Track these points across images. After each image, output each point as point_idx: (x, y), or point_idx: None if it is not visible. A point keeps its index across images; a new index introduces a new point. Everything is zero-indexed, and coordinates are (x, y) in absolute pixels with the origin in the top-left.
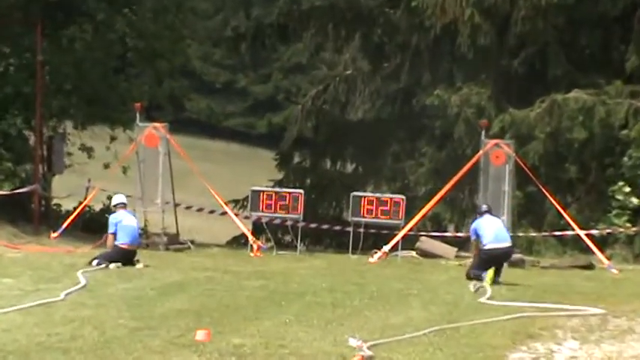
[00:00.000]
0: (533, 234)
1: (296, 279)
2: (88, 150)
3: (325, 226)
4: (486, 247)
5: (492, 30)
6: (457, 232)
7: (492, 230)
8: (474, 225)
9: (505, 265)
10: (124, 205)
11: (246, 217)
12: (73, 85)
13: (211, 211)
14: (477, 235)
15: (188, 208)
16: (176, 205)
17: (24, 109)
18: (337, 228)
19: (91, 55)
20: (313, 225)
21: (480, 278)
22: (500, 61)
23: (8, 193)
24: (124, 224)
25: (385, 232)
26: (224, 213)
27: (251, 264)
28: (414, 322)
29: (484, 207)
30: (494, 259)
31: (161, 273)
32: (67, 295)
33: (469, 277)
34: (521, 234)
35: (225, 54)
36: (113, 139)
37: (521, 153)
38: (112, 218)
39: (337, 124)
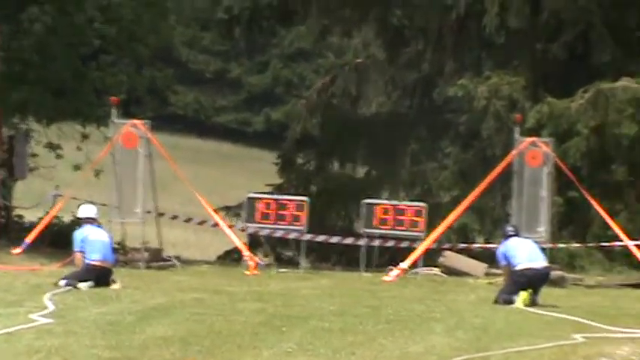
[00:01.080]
0: (576, 246)
1: (299, 301)
2: (55, 148)
3: (333, 240)
4: (519, 268)
5: (525, 8)
6: (487, 245)
7: (524, 250)
8: (501, 248)
9: None
10: (91, 220)
11: (242, 230)
12: (36, 74)
13: (201, 222)
14: (507, 259)
15: (174, 218)
16: (159, 215)
17: None
18: (347, 241)
19: (57, 40)
20: (319, 238)
21: (510, 302)
22: (535, 45)
23: None
24: (91, 239)
25: (403, 245)
26: (215, 224)
27: (247, 283)
28: (437, 350)
29: (510, 229)
30: (528, 282)
31: (141, 295)
32: (44, 316)
33: (497, 303)
34: (561, 246)
35: (215, 39)
36: (85, 137)
37: (561, 152)
38: (78, 234)
39: (347, 121)
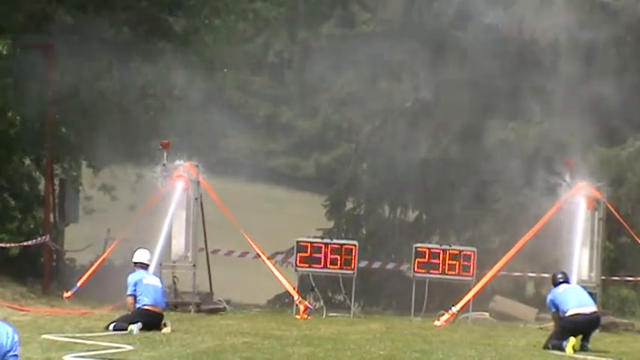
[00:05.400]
0: (627, 292)
1: (349, 345)
2: (108, 190)
3: (383, 283)
4: (568, 314)
5: (580, 53)
6: (538, 290)
7: (573, 296)
8: (549, 296)
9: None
10: (144, 266)
11: (293, 267)
12: (89, 120)
13: (256, 256)
14: (556, 306)
15: (229, 254)
16: (213, 252)
17: (32, 146)
18: (397, 285)
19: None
20: (369, 282)
21: (560, 348)
22: (587, 91)
23: (15, 246)
24: (145, 283)
25: (453, 290)
26: (268, 259)
27: (297, 328)
28: None
29: (559, 276)
30: (577, 327)
31: (192, 338)
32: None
33: (547, 349)
34: (612, 292)
35: (266, 83)
36: (139, 177)
37: (612, 198)
38: (131, 278)
39: (396, 165)
